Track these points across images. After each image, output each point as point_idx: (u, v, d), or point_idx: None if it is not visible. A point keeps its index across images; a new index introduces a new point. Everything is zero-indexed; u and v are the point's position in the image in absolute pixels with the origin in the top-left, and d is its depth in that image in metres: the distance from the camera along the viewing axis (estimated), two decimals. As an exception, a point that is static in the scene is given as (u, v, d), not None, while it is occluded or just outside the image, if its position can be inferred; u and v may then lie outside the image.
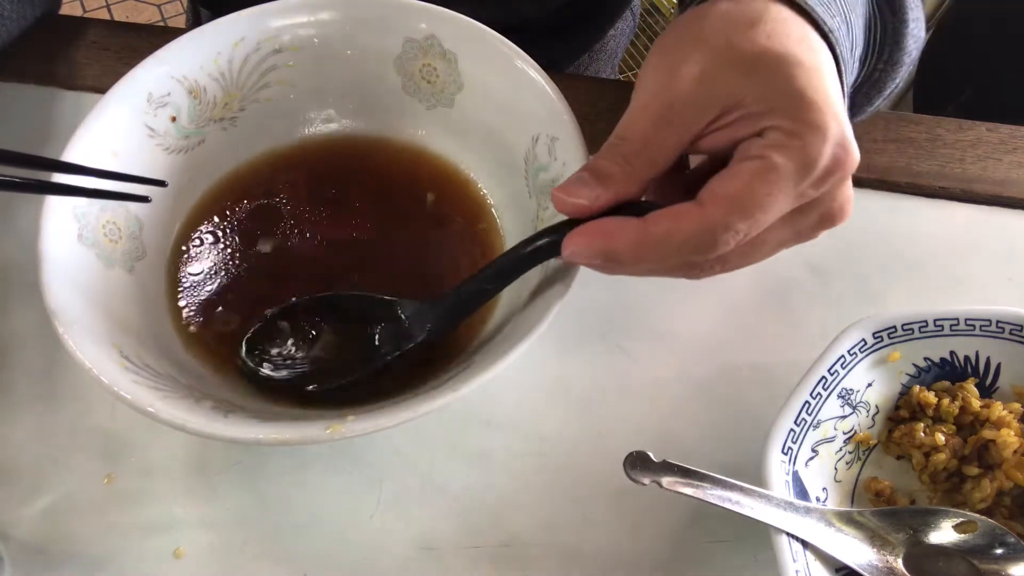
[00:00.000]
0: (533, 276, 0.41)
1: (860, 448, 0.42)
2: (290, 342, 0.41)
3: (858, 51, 0.41)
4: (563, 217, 0.35)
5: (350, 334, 0.41)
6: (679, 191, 0.35)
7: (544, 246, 0.35)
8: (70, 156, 0.40)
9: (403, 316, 0.41)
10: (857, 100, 0.47)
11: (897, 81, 0.47)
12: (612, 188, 0.33)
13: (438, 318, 0.40)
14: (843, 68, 0.35)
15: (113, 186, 0.39)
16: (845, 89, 0.35)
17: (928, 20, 0.52)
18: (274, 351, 0.41)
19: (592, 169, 0.34)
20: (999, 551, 0.37)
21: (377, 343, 0.41)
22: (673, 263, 0.33)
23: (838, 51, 0.34)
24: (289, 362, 0.41)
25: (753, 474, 0.38)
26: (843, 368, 0.41)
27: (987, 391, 0.42)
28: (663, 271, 0.34)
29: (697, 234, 0.31)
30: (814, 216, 0.33)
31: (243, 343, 0.41)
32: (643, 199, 0.34)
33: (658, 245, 0.32)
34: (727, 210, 0.31)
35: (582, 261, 0.34)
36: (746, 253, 0.33)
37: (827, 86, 0.31)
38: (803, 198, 0.31)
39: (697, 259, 0.32)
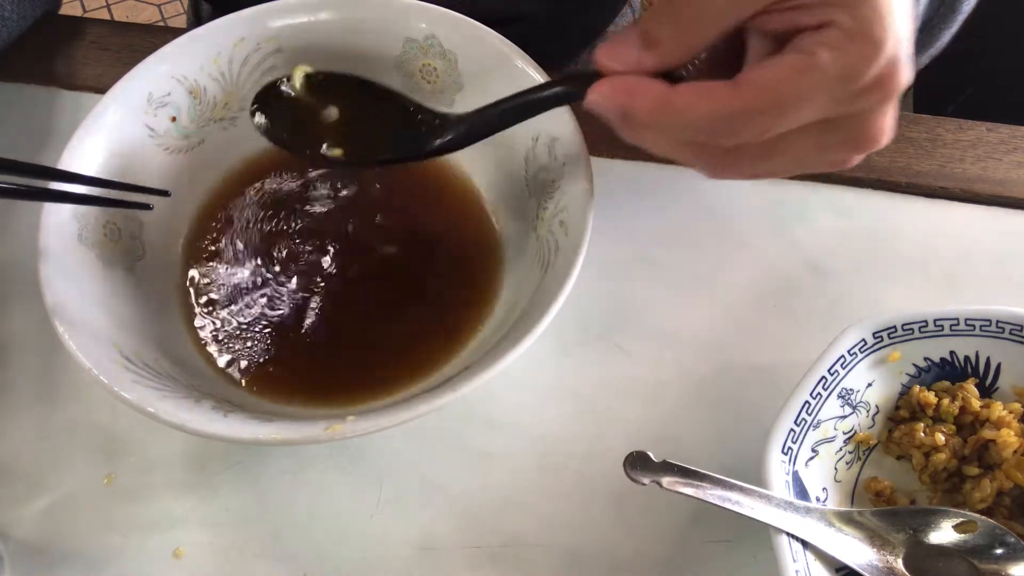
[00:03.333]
0: (533, 275, 0.41)
1: (860, 448, 0.42)
2: (301, 107, 0.40)
3: None
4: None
5: (366, 114, 0.40)
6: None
7: (566, 91, 0.36)
8: (70, 156, 0.40)
9: (420, 119, 0.39)
10: (920, 39, 0.47)
11: (958, 19, 0.46)
12: (656, 55, 0.32)
13: (455, 132, 0.38)
14: None
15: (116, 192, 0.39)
16: (917, 15, 0.35)
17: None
18: (283, 113, 0.40)
19: (641, 31, 0.32)
20: (999, 551, 0.37)
21: (393, 133, 0.40)
22: (687, 138, 0.32)
23: None
24: (300, 129, 0.40)
25: (753, 474, 0.38)
26: (843, 368, 0.41)
27: (987, 391, 0.42)
28: (676, 147, 0.33)
29: (720, 114, 0.30)
30: (843, 134, 0.32)
31: (255, 100, 0.40)
32: (685, 71, 0.33)
33: (677, 114, 0.31)
34: (757, 97, 0.30)
35: (601, 111, 0.33)
36: (763, 156, 0.32)
37: (897, 1, 0.30)
38: (838, 108, 0.30)
39: (713, 142, 0.31)
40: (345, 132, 0.39)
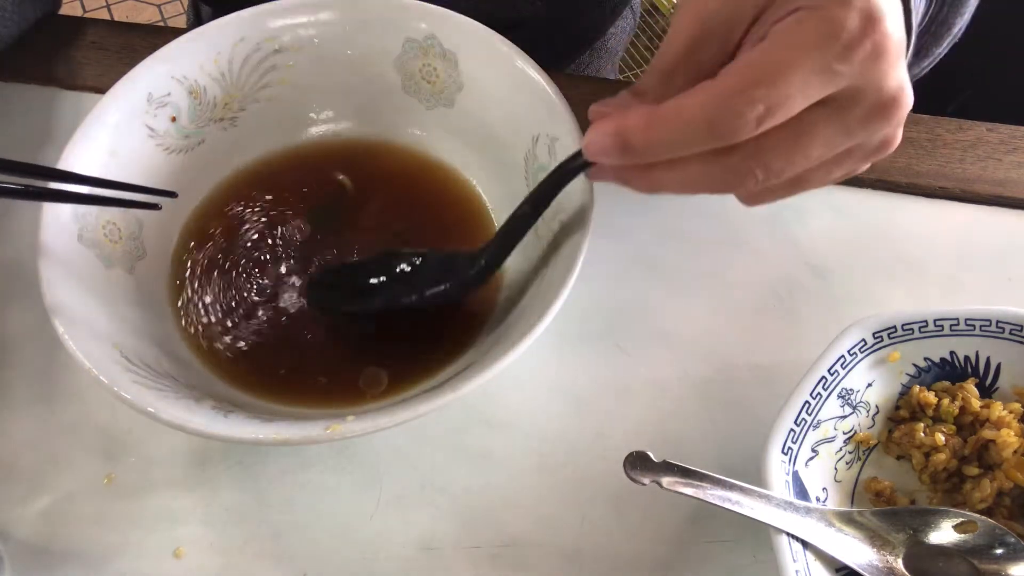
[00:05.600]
0: (534, 275, 0.41)
1: (860, 448, 0.42)
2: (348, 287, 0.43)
3: None
4: None
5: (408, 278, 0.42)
6: None
7: (571, 164, 0.36)
8: (70, 156, 0.40)
9: (454, 265, 0.41)
10: (925, 42, 0.46)
11: (965, 18, 0.45)
12: (647, 101, 0.32)
13: (489, 256, 0.40)
14: None
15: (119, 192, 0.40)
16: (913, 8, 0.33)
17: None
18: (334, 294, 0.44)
19: (631, 89, 0.33)
20: (999, 551, 0.37)
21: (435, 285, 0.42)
22: (696, 148, 0.30)
23: None
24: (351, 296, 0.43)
25: (753, 474, 0.38)
26: (843, 368, 0.41)
27: (987, 391, 0.42)
28: (694, 170, 0.31)
29: (711, 106, 0.28)
30: (861, 109, 0.30)
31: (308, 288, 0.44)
32: None
33: (670, 122, 0.29)
34: (742, 77, 0.28)
35: (602, 156, 0.32)
36: (789, 147, 0.30)
37: None
38: (831, 72, 0.28)
39: (723, 140, 0.29)
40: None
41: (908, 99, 0.31)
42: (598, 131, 0.32)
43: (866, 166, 0.34)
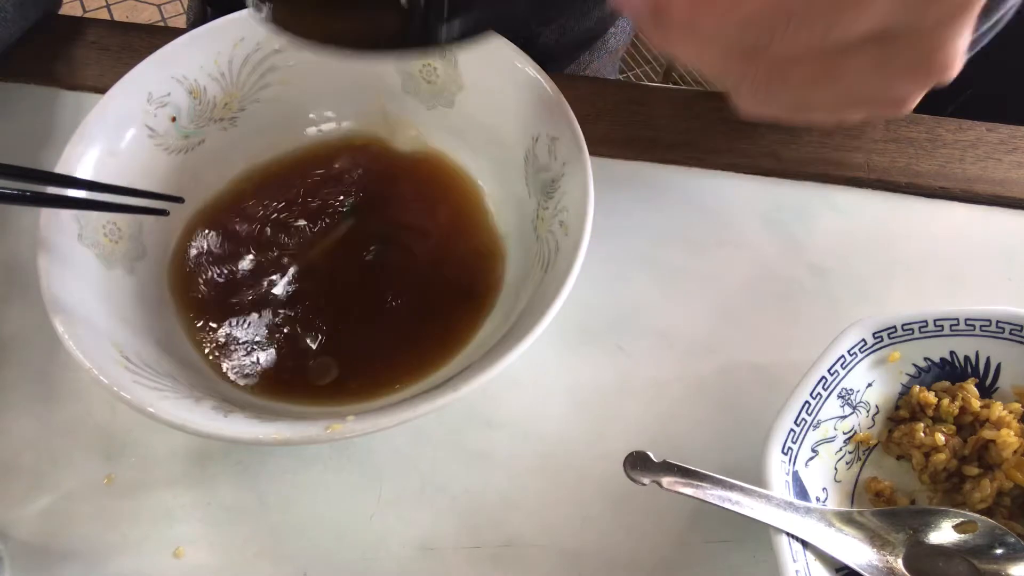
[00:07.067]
0: (533, 275, 0.41)
1: (860, 448, 0.42)
2: None
3: None
4: None
5: None
6: None
7: None
8: (70, 155, 0.40)
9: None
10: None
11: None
12: None
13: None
14: None
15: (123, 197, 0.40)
16: None
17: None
18: None
19: None
20: (999, 551, 0.37)
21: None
22: (737, 40, 0.27)
23: None
24: None
25: (753, 474, 0.38)
26: (843, 368, 0.41)
27: (987, 391, 0.42)
28: (722, 55, 0.28)
29: (768, 5, 0.26)
30: (908, 55, 0.27)
31: None
32: None
33: (719, 8, 0.26)
34: None
35: (628, 12, 0.29)
36: (817, 79, 0.28)
37: None
38: (906, 14, 0.26)
39: (769, 43, 0.26)
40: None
41: (954, 71, 0.28)
42: None
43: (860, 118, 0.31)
